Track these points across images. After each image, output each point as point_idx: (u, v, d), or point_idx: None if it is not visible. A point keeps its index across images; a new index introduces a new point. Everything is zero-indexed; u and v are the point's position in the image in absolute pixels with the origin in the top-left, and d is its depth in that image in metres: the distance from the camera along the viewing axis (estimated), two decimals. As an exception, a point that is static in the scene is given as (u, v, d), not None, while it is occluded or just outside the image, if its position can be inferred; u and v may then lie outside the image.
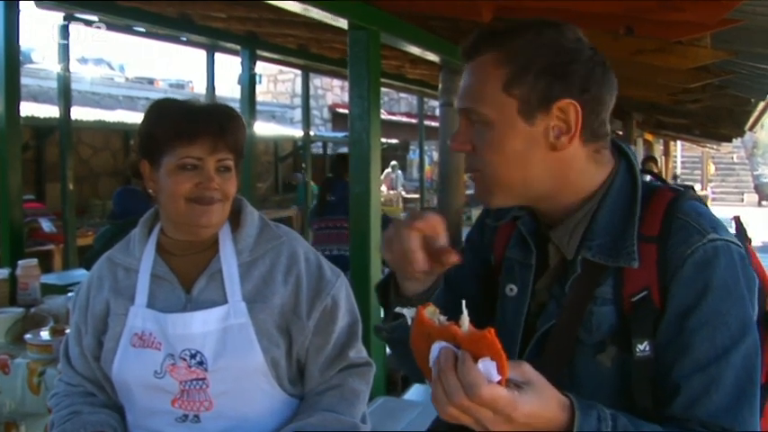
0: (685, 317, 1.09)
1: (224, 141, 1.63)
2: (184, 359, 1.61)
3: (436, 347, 0.95)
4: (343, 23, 3.88)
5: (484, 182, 1.20)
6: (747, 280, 1.13)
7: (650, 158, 10.76)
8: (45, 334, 2.92)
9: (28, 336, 2.90)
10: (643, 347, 1.10)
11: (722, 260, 1.10)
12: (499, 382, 0.90)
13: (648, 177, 1.30)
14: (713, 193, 28.82)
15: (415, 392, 3.99)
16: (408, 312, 1.03)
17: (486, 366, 0.90)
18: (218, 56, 7.07)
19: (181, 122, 1.62)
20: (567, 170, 1.20)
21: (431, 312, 0.99)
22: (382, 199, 6.48)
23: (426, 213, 1.14)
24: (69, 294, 3.34)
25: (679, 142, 27.61)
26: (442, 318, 0.98)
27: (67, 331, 2.83)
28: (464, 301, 0.97)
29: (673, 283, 1.10)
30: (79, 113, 8.43)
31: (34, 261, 3.62)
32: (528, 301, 1.26)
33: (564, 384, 0.99)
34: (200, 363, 1.61)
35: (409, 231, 1.12)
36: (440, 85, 5.97)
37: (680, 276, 1.10)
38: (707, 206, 1.21)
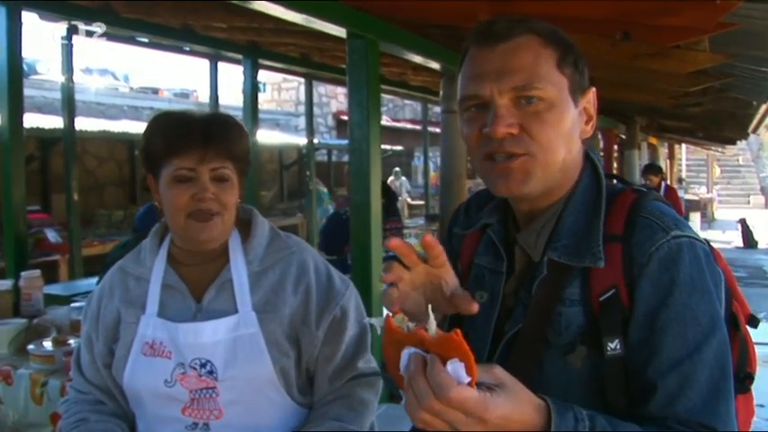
0: (655, 314, 1.09)
1: (214, 150, 1.62)
2: (195, 368, 1.62)
3: (406, 353, 0.95)
4: (341, 32, 3.90)
5: (529, 165, 1.15)
6: (713, 275, 1.13)
7: (650, 168, 10.39)
8: (48, 345, 2.93)
9: (31, 346, 2.91)
10: (614, 346, 1.10)
11: (686, 256, 1.11)
12: (469, 384, 0.89)
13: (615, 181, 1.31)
14: (719, 195, 28.74)
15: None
16: (377, 322, 1.01)
17: (455, 368, 0.89)
18: (222, 65, 7.09)
19: (171, 134, 1.63)
20: (577, 160, 1.23)
21: (399, 320, 0.99)
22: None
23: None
24: (73, 305, 3.35)
25: (684, 145, 27.55)
26: (411, 324, 0.98)
27: (71, 341, 2.87)
28: (430, 306, 0.97)
29: (639, 280, 1.11)
30: (84, 124, 8.48)
31: (37, 272, 3.63)
32: (498, 307, 1.26)
33: (533, 387, 0.99)
34: (211, 372, 1.62)
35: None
36: (441, 92, 5.99)
37: (646, 273, 1.10)
38: (669, 206, 1.21)
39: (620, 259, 1.13)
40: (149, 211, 4.63)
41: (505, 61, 1.15)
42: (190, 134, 1.62)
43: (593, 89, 1.23)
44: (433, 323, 0.94)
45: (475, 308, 1.07)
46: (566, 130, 1.17)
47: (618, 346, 1.10)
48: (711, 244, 1.22)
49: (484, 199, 1.38)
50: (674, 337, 1.08)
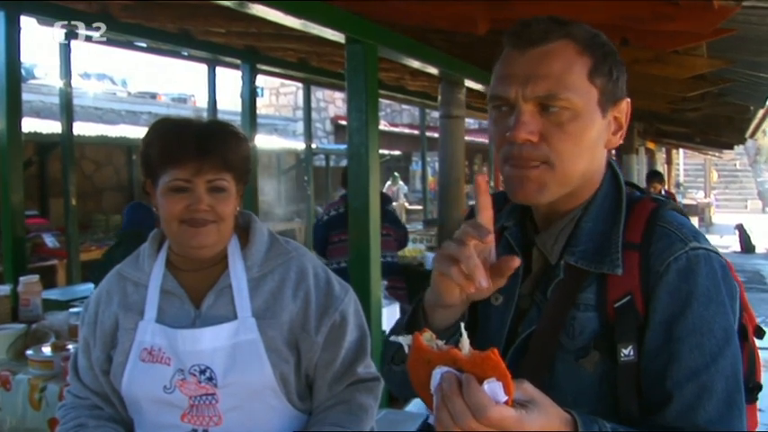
0: (672, 325, 1.10)
1: (211, 162, 1.62)
2: (194, 374, 1.62)
3: (438, 373, 0.93)
4: (340, 37, 3.90)
5: (545, 176, 1.15)
6: (729, 288, 1.14)
7: (655, 176, 10.57)
8: (46, 350, 2.93)
9: (29, 352, 2.91)
10: (627, 352, 1.11)
11: (703, 269, 1.12)
12: (506, 402, 0.89)
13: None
14: (717, 200, 28.81)
15: (417, 404, 3.99)
16: (405, 341, 1.00)
17: (492, 387, 0.89)
18: (220, 70, 7.09)
19: (169, 145, 1.63)
20: (600, 168, 1.23)
21: (428, 338, 0.97)
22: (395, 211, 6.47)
23: (475, 227, 1.07)
24: (71, 310, 3.35)
25: (681, 150, 27.61)
26: (440, 342, 0.97)
27: (70, 347, 2.87)
28: (462, 324, 0.96)
29: (656, 289, 1.11)
30: (82, 129, 8.46)
31: (35, 277, 3.63)
32: (513, 308, 1.26)
33: (544, 390, 0.99)
34: (210, 378, 1.62)
35: (471, 249, 1.05)
36: (439, 97, 5.99)
37: (663, 283, 1.11)
38: (687, 217, 1.23)
39: (637, 267, 1.14)
40: (135, 208, 4.65)
41: (534, 67, 1.14)
42: (186, 145, 1.62)
43: (628, 100, 1.22)
44: (466, 342, 0.93)
45: (516, 262, 1.07)
46: (588, 142, 1.16)
47: (631, 353, 1.11)
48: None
49: (500, 202, 1.37)
50: (692, 347, 1.09)
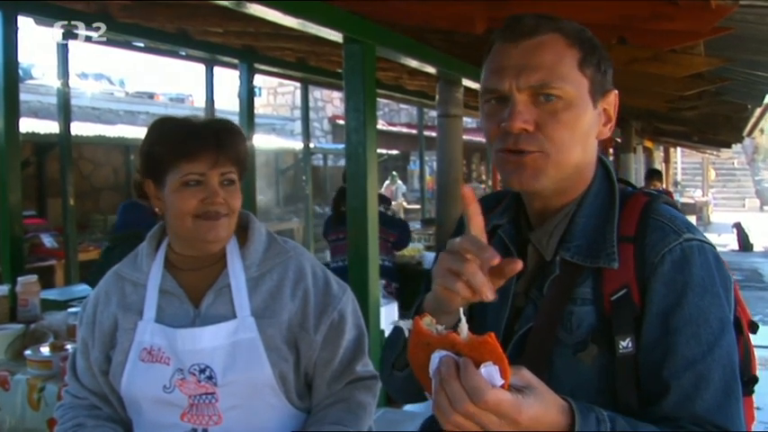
0: (668, 316, 1.11)
1: (225, 155, 1.64)
2: (194, 374, 1.62)
3: (436, 356, 0.94)
4: (338, 37, 3.90)
5: (541, 162, 1.16)
6: (723, 279, 1.15)
7: (654, 173, 10.60)
8: (45, 350, 2.93)
9: (28, 352, 2.91)
10: (626, 344, 1.12)
11: (698, 259, 1.13)
12: (502, 386, 0.90)
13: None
14: (714, 199, 28.83)
15: (416, 404, 3.99)
16: (405, 325, 1.01)
17: (489, 371, 0.90)
18: (218, 69, 7.08)
19: (181, 140, 1.64)
20: (592, 161, 1.25)
21: (428, 322, 0.98)
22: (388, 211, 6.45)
23: (471, 241, 1.03)
24: (70, 310, 3.34)
25: (679, 149, 27.63)
26: (440, 327, 0.98)
27: (68, 347, 2.87)
28: (461, 309, 0.98)
29: (652, 280, 1.13)
30: (80, 129, 8.46)
31: (34, 277, 3.62)
32: (509, 306, 1.26)
33: None
34: (210, 377, 1.62)
35: (475, 265, 1.01)
36: (437, 96, 5.99)
37: (659, 274, 1.12)
38: (680, 210, 1.24)
39: (632, 259, 1.15)
40: (129, 209, 4.65)
41: (527, 58, 1.16)
42: (202, 140, 1.63)
43: (616, 92, 1.24)
44: (464, 326, 0.94)
45: (519, 265, 1.04)
46: (582, 131, 1.18)
47: (629, 345, 1.12)
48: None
49: (492, 203, 1.38)
50: (688, 337, 1.10)
